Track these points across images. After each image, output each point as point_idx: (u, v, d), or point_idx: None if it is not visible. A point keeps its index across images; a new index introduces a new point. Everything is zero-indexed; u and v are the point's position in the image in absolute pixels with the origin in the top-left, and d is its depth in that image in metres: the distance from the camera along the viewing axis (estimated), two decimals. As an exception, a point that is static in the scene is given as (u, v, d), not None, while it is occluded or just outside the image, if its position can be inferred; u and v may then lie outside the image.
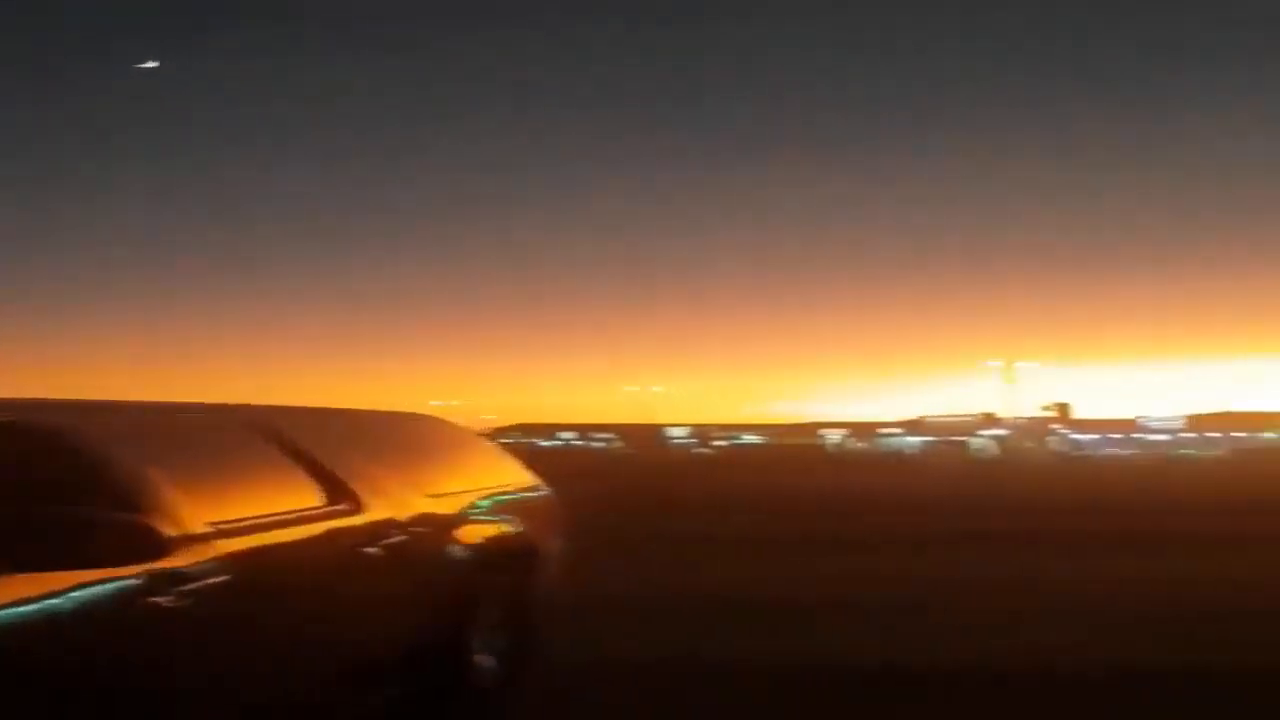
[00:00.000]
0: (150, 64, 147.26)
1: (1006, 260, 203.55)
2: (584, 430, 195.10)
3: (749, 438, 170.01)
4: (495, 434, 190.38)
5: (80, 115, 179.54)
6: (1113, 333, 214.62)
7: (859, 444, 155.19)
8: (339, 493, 6.00)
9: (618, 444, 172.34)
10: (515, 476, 7.95)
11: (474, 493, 7.17)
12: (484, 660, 6.78)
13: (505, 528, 7.15)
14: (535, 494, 7.98)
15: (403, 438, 7.24)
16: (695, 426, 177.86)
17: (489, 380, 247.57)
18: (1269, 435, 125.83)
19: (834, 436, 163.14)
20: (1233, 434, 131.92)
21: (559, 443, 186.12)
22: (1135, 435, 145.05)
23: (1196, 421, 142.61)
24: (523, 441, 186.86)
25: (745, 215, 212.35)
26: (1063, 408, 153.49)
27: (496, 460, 8.04)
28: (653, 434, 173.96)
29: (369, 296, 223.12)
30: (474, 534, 6.79)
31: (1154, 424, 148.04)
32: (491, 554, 6.83)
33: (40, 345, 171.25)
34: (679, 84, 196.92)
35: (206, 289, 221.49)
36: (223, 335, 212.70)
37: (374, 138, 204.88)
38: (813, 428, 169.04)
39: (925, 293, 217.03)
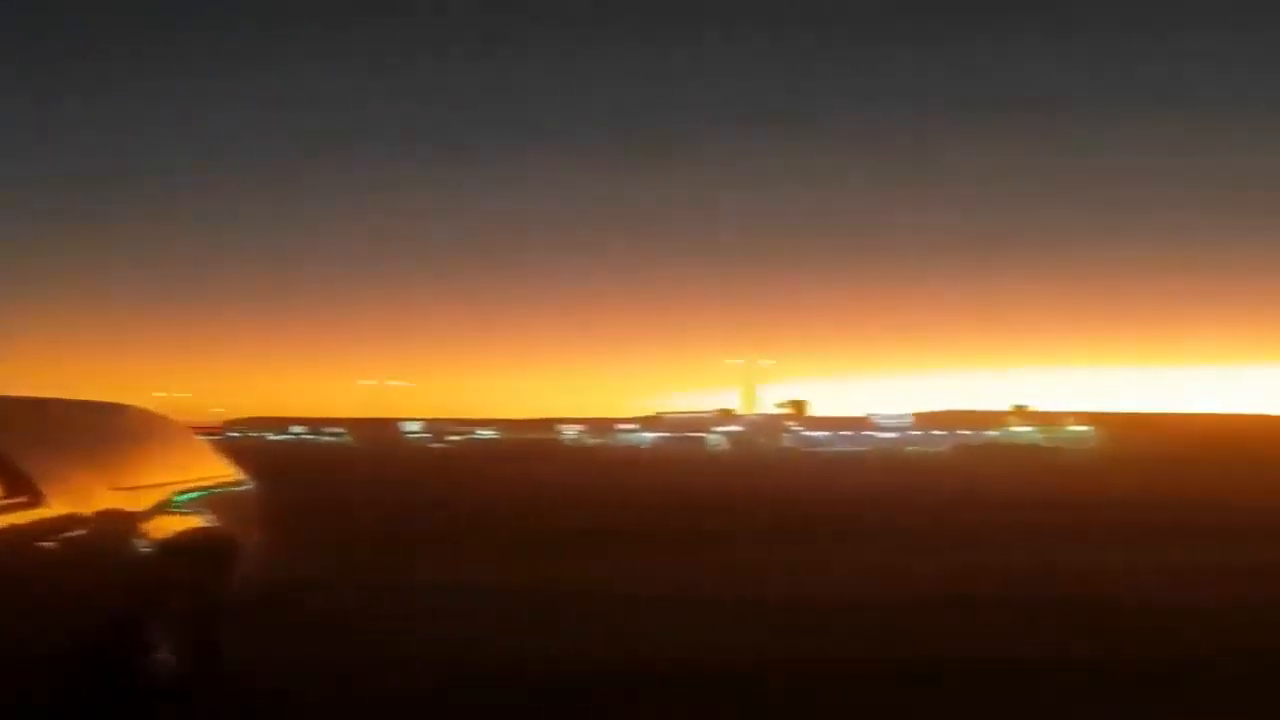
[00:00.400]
0: None
1: (752, 261, 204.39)
2: (316, 425, 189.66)
3: (484, 433, 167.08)
4: (224, 427, 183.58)
5: None
6: (852, 334, 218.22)
7: (595, 440, 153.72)
8: (17, 485, 5.92)
9: (347, 439, 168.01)
10: (218, 471, 7.85)
11: (170, 486, 7.05)
12: (165, 658, 6.68)
13: (198, 522, 7.08)
14: (236, 489, 7.90)
15: (101, 429, 7.03)
16: (430, 421, 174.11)
17: (222, 374, 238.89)
18: (991, 433, 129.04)
19: (570, 432, 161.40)
20: (958, 432, 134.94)
21: (290, 437, 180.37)
22: (867, 433, 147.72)
23: (925, 420, 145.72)
24: (252, 435, 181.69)
25: (476, 213, 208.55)
26: (799, 405, 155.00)
27: (200, 454, 7.88)
28: (388, 429, 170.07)
29: (103, 288, 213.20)
30: (163, 528, 6.67)
31: (885, 422, 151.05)
32: (180, 549, 6.72)
33: None
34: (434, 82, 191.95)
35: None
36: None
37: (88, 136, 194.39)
38: (551, 423, 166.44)
39: (671, 292, 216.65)
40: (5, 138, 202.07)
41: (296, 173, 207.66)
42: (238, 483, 7.91)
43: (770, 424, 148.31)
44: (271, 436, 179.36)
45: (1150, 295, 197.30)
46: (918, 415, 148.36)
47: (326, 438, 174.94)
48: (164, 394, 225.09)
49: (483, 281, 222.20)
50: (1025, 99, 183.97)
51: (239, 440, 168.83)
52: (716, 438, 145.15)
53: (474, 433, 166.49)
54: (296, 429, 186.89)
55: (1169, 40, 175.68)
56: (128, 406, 7.73)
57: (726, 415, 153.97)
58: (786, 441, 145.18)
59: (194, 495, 7.20)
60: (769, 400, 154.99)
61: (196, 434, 8.25)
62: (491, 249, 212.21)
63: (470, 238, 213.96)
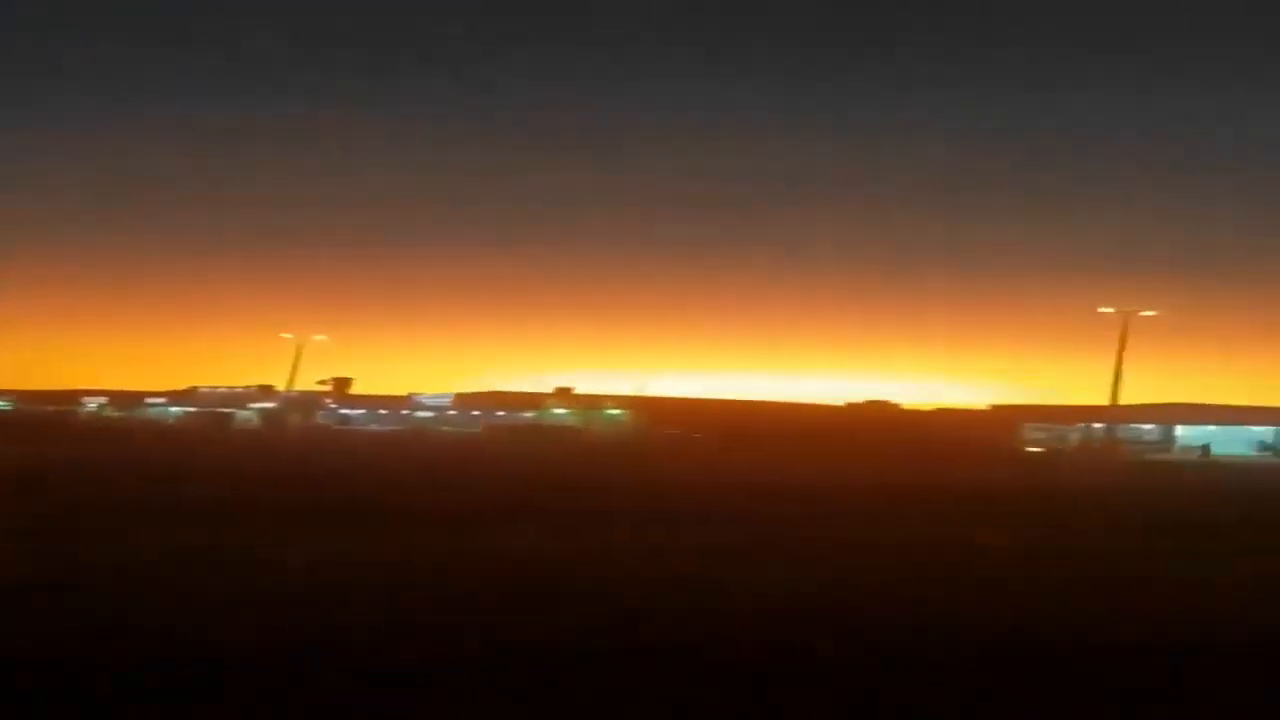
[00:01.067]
0: None
1: (305, 237, 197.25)
2: None
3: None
4: None
5: None
6: (404, 313, 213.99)
7: (117, 413, 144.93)
8: None
9: None
10: None
11: None
12: None
13: None
14: None
15: None
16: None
17: None
18: (529, 415, 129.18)
19: (92, 404, 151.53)
20: (498, 412, 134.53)
21: None
22: (406, 412, 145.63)
23: (465, 400, 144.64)
24: None
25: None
26: (341, 383, 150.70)
27: None
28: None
29: None
30: None
31: (426, 401, 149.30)
32: None
33: None
34: None
35: None
36: None
37: None
38: (75, 395, 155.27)
39: (226, 266, 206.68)
40: None
41: None
42: None
43: (308, 401, 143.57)
44: None
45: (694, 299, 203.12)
46: (461, 396, 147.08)
47: None
48: None
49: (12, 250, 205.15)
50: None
51: None
52: (247, 414, 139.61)
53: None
54: None
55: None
56: None
57: (266, 391, 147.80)
58: (322, 419, 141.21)
59: None
60: (316, 377, 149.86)
61: None
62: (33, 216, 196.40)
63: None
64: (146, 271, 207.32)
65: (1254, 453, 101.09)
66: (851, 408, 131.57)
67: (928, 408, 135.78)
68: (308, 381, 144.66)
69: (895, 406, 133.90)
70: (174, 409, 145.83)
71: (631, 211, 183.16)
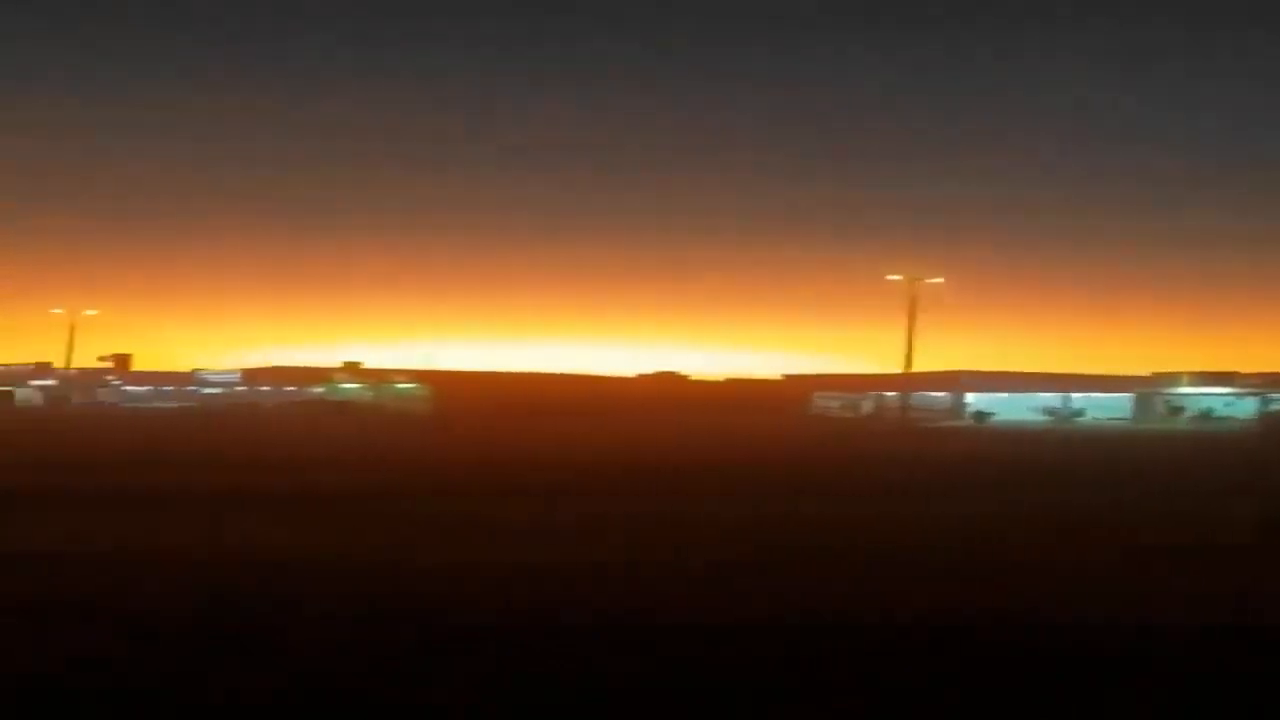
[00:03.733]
0: None
1: (79, 209, 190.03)
2: None
3: None
4: None
5: None
6: (187, 288, 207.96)
7: None
8: None
9: None
10: None
11: None
12: None
13: None
14: None
15: None
16: None
17: None
18: (317, 390, 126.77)
19: None
20: (285, 388, 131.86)
21: None
22: (192, 388, 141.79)
23: (251, 375, 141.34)
24: None
25: None
26: (122, 359, 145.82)
27: None
28: None
29: None
30: None
31: (211, 378, 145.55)
32: None
33: None
34: None
35: None
36: None
37: None
38: None
39: None
40: None
41: None
42: None
43: (88, 378, 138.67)
44: None
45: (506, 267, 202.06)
46: (247, 371, 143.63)
47: None
48: None
49: None
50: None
51: None
52: (27, 392, 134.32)
53: None
54: None
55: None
56: None
57: (43, 369, 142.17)
58: (103, 396, 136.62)
59: None
60: (95, 353, 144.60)
61: None
62: None
63: None
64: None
65: (1041, 418, 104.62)
66: (641, 379, 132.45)
67: (719, 378, 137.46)
68: (86, 359, 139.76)
69: (684, 377, 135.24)
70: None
71: (419, 180, 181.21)
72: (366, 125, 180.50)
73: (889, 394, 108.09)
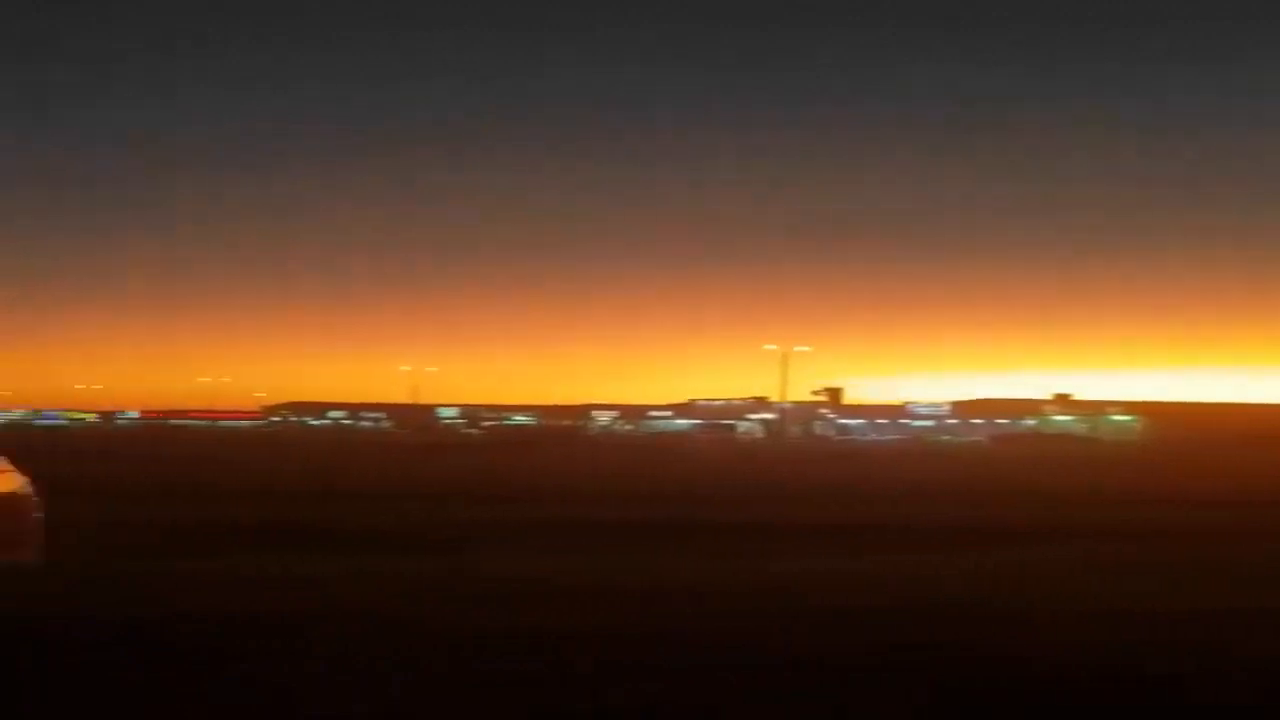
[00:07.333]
0: None
1: (789, 248, 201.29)
2: (355, 410, 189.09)
3: (519, 418, 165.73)
4: (265, 411, 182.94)
5: None
6: (893, 319, 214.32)
7: (627, 426, 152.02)
8: None
9: (386, 424, 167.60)
10: None
11: None
12: None
13: None
14: None
15: None
16: (466, 407, 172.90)
17: (263, 359, 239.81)
18: (1030, 421, 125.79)
19: (603, 418, 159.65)
20: (996, 420, 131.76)
21: (328, 422, 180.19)
22: (902, 421, 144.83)
23: (962, 408, 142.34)
24: (292, 420, 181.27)
25: (515, 198, 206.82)
26: (834, 392, 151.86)
27: None
28: (424, 414, 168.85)
29: (141, 274, 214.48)
30: None
31: (922, 410, 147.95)
32: None
33: None
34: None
35: None
36: None
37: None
38: (585, 409, 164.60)
39: (706, 278, 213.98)
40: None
41: (332, 162, 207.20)
42: None
43: (804, 412, 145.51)
44: (311, 422, 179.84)
45: (1203, 295, 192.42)
46: (957, 404, 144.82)
47: (365, 423, 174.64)
48: (207, 378, 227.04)
49: (521, 269, 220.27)
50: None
51: (280, 426, 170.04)
52: (748, 425, 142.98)
53: (509, 418, 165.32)
54: (335, 414, 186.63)
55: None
56: None
57: (760, 403, 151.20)
58: (819, 430, 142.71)
59: None
60: (804, 388, 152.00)
61: None
62: (534, 235, 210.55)
63: (510, 224, 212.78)
64: (639, 287, 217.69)
65: None
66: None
67: None
68: (799, 393, 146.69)
69: None
70: (679, 422, 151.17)
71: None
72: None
73: None
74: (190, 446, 65.29)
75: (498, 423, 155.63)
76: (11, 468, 6.46)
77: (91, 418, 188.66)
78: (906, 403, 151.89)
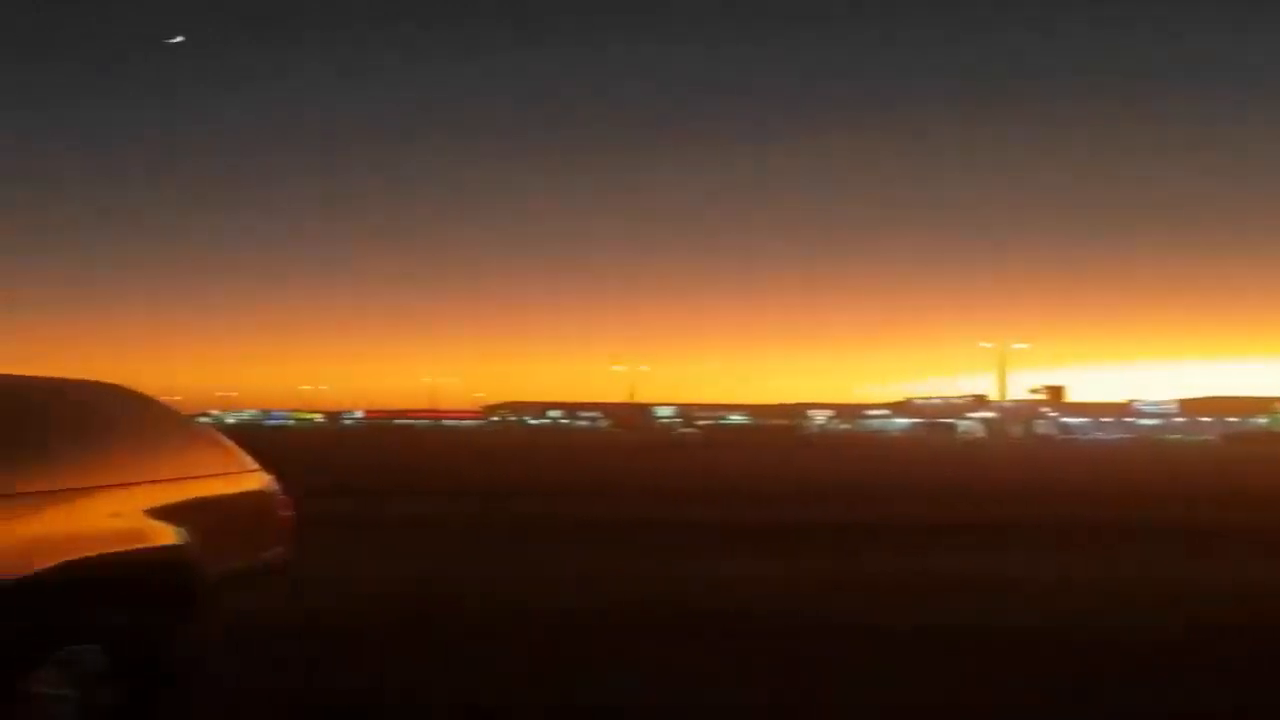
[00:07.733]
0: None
1: (1004, 243, 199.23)
2: (571, 409, 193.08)
3: (734, 418, 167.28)
4: (485, 411, 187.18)
5: None
6: (1113, 317, 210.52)
7: (843, 425, 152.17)
8: None
9: (604, 423, 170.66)
10: (213, 465, 5.83)
11: (109, 490, 5.03)
12: None
13: (144, 541, 4.96)
14: (233, 493, 5.85)
15: (26, 413, 5.07)
16: (681, 406, 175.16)
17: (483, 359, 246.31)
18: (1261, 420, 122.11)
19: (819, 418, 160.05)
20: (1226, 419, 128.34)
21: (547, 421, 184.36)
22: (1128, 419, 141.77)
23: (1190, 406, 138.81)
24: (511, 420, 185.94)
25: (732, 197, 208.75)
26: (1055, 391, 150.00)
27: (185, 444, 5.81)
28: (640, 413, 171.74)
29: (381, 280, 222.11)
30: (68, 548, 4.57)
31: (1147, 408, 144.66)
32: (93, 578, 4.63)
33: None
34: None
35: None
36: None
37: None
38: (800, 408, 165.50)
39: (920, 275, 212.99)
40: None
41: (566, 157, 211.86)
42: (242, 489, 5.95)
43: (1024, 410, 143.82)
44: (530, 421, 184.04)
45: None
46: (1185, 402, 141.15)
47: (581, 422, 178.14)
48: (430, 379, 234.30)
49: (735, 268, 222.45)
50: None
51: (499, 425, 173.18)
52: (968, 424, 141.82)
53: (725, 417, 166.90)
54: (553, 413, 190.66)
55: None
56: (75, 381, 5.60)
57: (979, 401, 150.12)
58: (1042, 429, 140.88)
59: (157, 504, 5.18)
60: (1023, 386, 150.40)
61: (198, 423, 6.62)
62: (753, 236, 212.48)
63: (726, 225, 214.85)
64: (850, 286, 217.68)
65: None
66: None
67: None
68: (1016, 391, 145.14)
69: None
70: (897, 421, 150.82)
71: None
72: None
73: None
74: (438, 446, 65.36)
75: (714, 423, 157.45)
76: (258, 466, 6.24)
77: (318, 418, 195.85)
78: (1131, 401, 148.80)
